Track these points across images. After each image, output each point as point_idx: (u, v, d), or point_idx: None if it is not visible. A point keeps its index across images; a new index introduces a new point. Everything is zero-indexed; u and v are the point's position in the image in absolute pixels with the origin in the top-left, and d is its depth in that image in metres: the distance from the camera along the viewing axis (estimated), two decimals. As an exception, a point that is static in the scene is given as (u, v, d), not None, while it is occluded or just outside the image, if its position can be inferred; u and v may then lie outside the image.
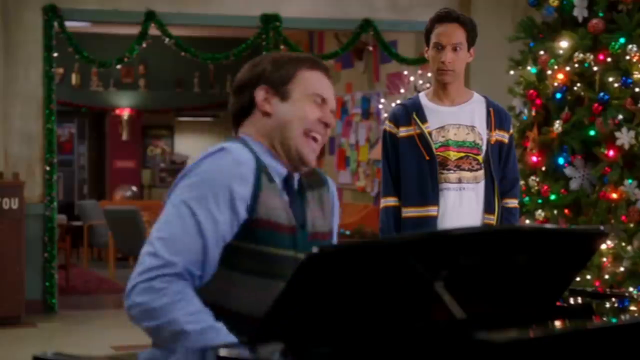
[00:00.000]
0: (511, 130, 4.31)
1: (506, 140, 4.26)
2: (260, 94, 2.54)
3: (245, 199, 2.41)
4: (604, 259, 6.33)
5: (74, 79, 16.08)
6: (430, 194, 4.14)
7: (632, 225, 6.30)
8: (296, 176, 2.59)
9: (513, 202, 4.28)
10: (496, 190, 4.20)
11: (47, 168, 9.37)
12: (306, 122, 2.53)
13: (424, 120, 4.19)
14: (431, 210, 4.14)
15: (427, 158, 4.15)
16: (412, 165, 4.17)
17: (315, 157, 2.57)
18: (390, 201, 4.24)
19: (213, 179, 2.41)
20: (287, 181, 2.55)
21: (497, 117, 4.23)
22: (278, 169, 2.53)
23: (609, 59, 6.53)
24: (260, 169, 2.46)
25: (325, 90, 2.58)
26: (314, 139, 2.55)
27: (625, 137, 6.33)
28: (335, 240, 2.70)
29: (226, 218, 2.40)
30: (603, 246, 6.21)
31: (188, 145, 17.63)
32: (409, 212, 4.18)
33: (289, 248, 2.46)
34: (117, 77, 16.25)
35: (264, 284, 2.40)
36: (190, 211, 2.39)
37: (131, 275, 2.39)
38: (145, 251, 2.39)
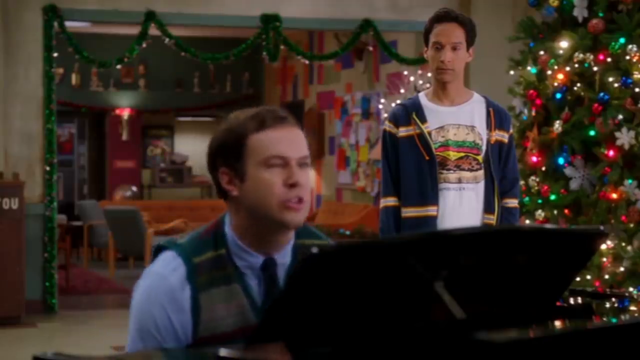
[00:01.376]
0: (511, 130, 4.31)
1: (506, 140, 4.26)
2: (223, 178, 2.36)
3: (186, 326, 2.32)
4: (604, 259, 6.33)
5: (74, 79, 16.08)
6: (430, 194, 4.14)
7: (632, 225, 6.30)
8: (282, 259, 2.39)
9: (513, 202, 4.28)
10: (496, 190, 4.20)
11: (47, 168, 9.37)
12: (273, 195, 2.30)
13: (423, 120, 4.19)
14: (431, 210, 4.14)
15: (427, 158, 4.16)
16: (412, 165, 4.18)
17: (304, 215, 2.35)
18: (390, 201, 4.24)
19: (147, 311, 2.33)
20: (266, 269, 2.37)
21: (497, 117, 4.23)
22: (250, 261, 2.36)
23: (609, 59, 6.53)
24: (196, 283, 2.32)
25: (282, 145, 2.31)
26: (296, 201, 2.32)
27: (625, 137, 6.33)
28: None
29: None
30: (603, 246, 6.21)
31: (188, 145, 17.63)
32: (408, 212, 4.19)
33: None
34: (117, 77, 16.25)
35: None
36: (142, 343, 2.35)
37: None
38: None
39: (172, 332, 2.32)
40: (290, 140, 2.32)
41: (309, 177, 2.39)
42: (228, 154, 2.34)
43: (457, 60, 4.13)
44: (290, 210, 2.30)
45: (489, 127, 4.21)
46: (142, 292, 2.36)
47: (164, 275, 2.34)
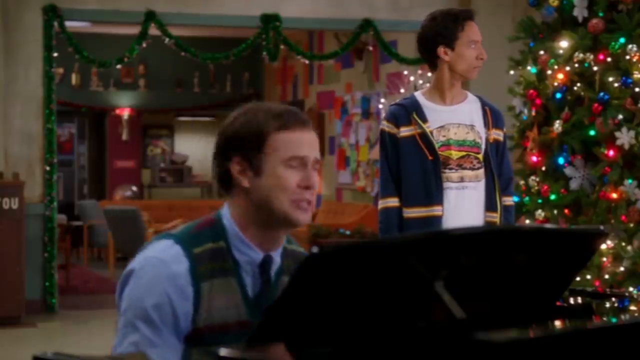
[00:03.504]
0: (504, 129, 4.35)
1: (501, 139, 4.30)
2: (234, 168, 2.38)
3: (187, 315, 2.31)
4: (604, 259, 6.33)
5: (74, 79, 16.08)
6: (434, 194, 4.14)
7: (632, 225, 6.30)
8: (276, 259, 2.42)
9: (509, 200, 4.31)
10: (497, 188, 4.21)
11: (47, 168, 9.37)
12: (287, 193, 2.34)
13: (424, 119, 4.19)
14: (436, 210, 4.14)
15: (430, 158, 4.15)
16: (415, 165, 4.17)
17: (311, 215, 2.40)
18: (391, 202, 4.23)
19: (148, 297, 2.30)
20: (263, 265, 2.39)
21: (493, 116, 4.27)
22: (251, 256, 2.38)
23: (609, 59, 6.53)
24: (197, 272, 2.31)
25: (304, 147, 2.37)
26: (307, 202, 2.38)
27: (625, 137, 6.33)
28: None
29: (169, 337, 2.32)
30: (603, 246, 6.21)
31: (188, 145, 17.63)
32: (413, 212, 4.18)
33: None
34: (117, 77, 16.25)
35: None
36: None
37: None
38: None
39: (172, 321, 2.30)
40: (310, 144, 2.39)
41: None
42: (245, 146, 2.37)
43: None
44: (301, 210, 2.36)
45: (486, 125, 4.23)
46: (142, 278, 2.32)
47: (165, 262, 2.32)
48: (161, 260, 2.31)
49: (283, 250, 2.46)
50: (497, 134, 4.27)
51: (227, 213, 2.41)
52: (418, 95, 4.29)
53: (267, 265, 2.40)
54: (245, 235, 2.38)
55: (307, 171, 2.37)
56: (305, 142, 2.38)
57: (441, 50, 4.16)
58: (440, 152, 4.16)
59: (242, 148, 2.37)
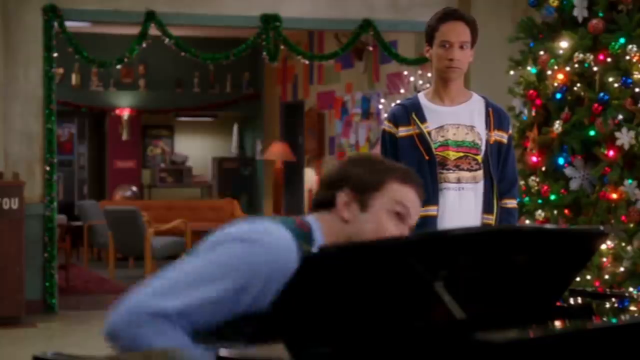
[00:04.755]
0: (510, 131, 4.31)
1: (505, 141, 4.26)
2: (342, 197, 2.49)
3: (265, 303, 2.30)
4: (604, 259, 6.33)
5: (74, 79, 16.07)
6: (430, 194, 4.14)
7: (632, 225, 6.30)
8: None
9: (512, 203, 4.28)
10: (495, 191, 4.20)
11: (47, 168, 9.37)
12: (378, 235, 2.44)
13: (423, 120, 4.19)
14: (431, 210, 4.14)
15: (427, 158, 4.15)
16: (412, 165, 4.15)
17: None
18: (390, 201, 4.24)
19: (260, 267, 2.29)
20: None
21: (496, 117, 4.23)
22: None
23: (609, 59, 6.53)
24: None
25: (410, 205, 2.50)
26: None
27: (625, 137, 6.32)
28: None
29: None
30: (603, 246, 6.21)
31: (188, 145, 17.62)
32: (409, 212, 4.18)
33: None
34: (117, 77, 16.24)
35: None
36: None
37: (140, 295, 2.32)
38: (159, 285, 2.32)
39: (261, 299, 2.26)
40: (416, 207, 2.52)
41: None
42: (361, 186, 2.49)
43: (464, 59, 4.15)
44: None
45: (488, 127, 4.21)
46: (267, 247, 2.30)
47: (290, 249, 2.33)
48: (288, 247, 2.32)
49: None
50: (500, 136, 4.23)
51: (317, 227, 2.47)
52: (420, 95, 4.30)
53: None
54: None
55: (403, 227, 2.47)
56: (415, 203, 2.51)
57: (426, 48, 4.21)
58: (437, 153, 4.15)
59: (357, 187, 2.49)
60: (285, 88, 16.04)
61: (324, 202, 2.52)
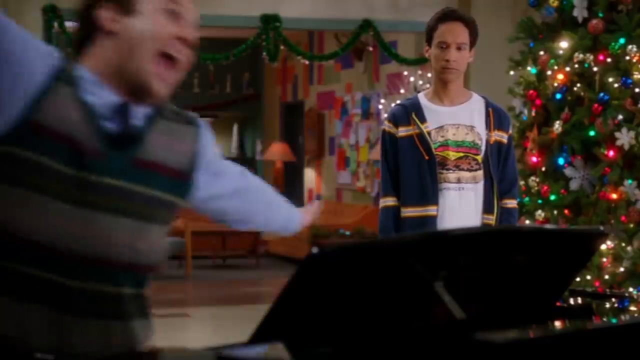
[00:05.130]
0: (510, 131, 4.31)
1: (505, 141, 4.26)
2: (103, 13, 2.18)
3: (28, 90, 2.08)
4: (604, 259, 6.34)
5: (74, 79, 16.09)
6: (430, 194, 4.14)
7: (632, 225, 6.31)
8: (142, 109, 2.29)
9: (512, 203, 4.28)
10: (495, 191, 4.20)
11: (47, 168, 9.37)
12: (158, 40, 2.18)
13: (423, 120, 4.19)
14: (431, 210, 4.14)
15: (427, 158, 4.16)
16: (412, 165, 4.18)
17: (168, 87, 2.31)
18: (389, 201, 4.24)
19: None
20: (121, 111, 2.21)
21: (496, 118, 4.23)
22: (105, 97, 2.18)
23: (609, 59, 6.54)
24: (61, 75, 2.12)
25: (184, 1, 2.22)
26: (170, 58, 2.22)
27: (625, 138, 6.33)
28: (190, 183, 2.40)
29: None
30: (603, 246, 6.22)
31: (188, 145, 17.64)
32: (408, 211, 4.19)
33: (72, 167, 2.11)
34: (117, 77, 16.26)
35: (21, 196, 2.07)
36: None
37: None
38: None
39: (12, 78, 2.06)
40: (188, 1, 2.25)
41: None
42: None
43: (462, 60, 4.15)
44: (161, 66, 2.24)
45: (488, 127, 4.21)
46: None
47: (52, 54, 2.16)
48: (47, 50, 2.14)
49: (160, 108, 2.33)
50: (500, 136, 4.24)
51: (80, 68, 2.20)
52: (420, 96, 4.31)
53: (127, 110, 2.23)
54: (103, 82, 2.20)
55: (183, 24, 2.21)
56: None
57: (426, 48, 4.21)
58: (437, 153, 4.16)
59: None
60: (285, 88, 16.04)
61: (83, 40, 2.22)
